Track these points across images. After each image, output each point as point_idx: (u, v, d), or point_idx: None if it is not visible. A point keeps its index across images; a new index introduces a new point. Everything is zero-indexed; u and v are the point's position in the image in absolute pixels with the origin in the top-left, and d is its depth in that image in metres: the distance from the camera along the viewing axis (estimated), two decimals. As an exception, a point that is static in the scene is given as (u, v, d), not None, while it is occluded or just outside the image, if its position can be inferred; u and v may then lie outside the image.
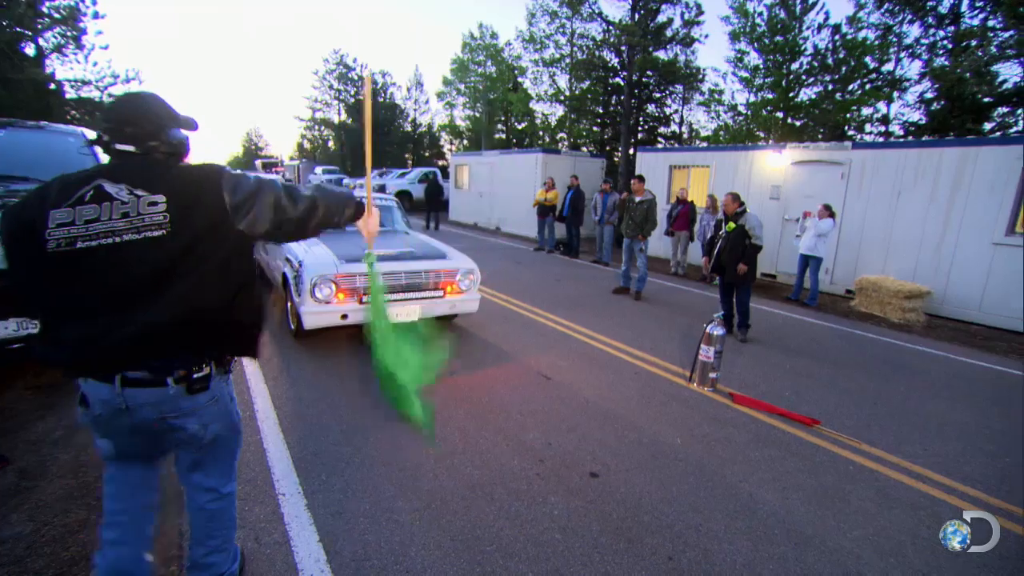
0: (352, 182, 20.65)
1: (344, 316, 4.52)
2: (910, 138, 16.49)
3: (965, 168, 7.81)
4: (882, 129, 18.56)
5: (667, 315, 7.12)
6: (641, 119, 25.16)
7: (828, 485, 3.14)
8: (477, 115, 32.87)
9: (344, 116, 40.81)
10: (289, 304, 5.07)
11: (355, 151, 39.70)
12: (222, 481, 1.85)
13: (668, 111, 25.58)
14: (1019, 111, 15.23)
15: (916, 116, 17.69)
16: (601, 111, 25.44)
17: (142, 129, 1.52)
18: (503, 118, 32.30)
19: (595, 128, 26.14)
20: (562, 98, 25.80)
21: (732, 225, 5.91)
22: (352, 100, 40.07)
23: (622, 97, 22.62)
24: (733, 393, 4.38)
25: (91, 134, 3.96)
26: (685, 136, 25.42)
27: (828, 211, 8.08)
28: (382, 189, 20.48)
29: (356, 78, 39.92)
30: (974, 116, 15.61)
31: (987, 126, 15.84)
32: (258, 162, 28.48)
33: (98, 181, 1.45)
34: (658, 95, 24.76)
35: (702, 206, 10.28)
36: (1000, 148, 7.67)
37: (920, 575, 2.43)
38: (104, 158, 1.61)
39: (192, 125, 1.68)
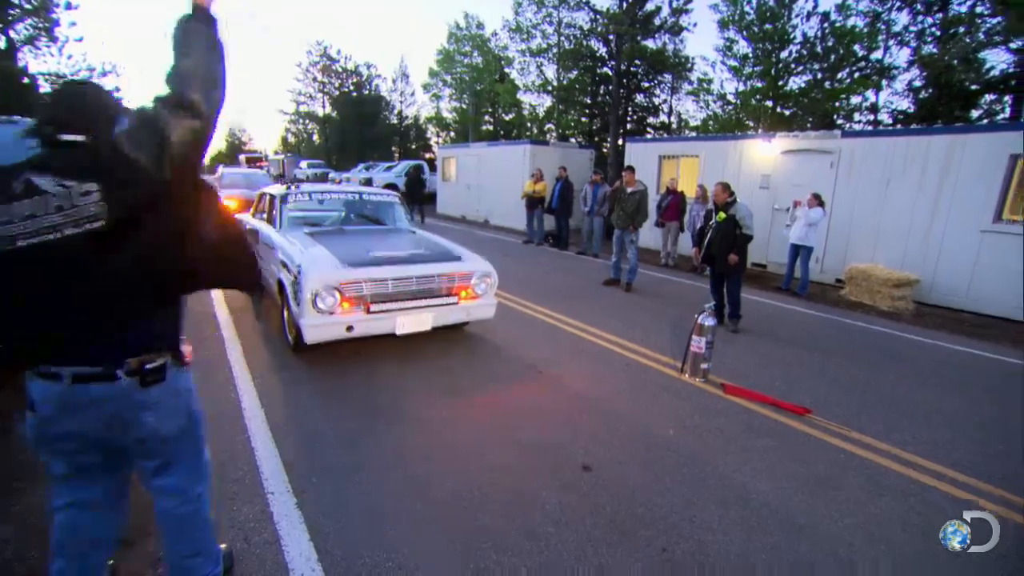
0: (338, 176, 20.45)
1: (350, 328, 4.09)
2: (899, 126, 16.58)
3: (953, 156, 7.85)
4: (871, 118, 18.66)
5: (658, 306, 7.12)
6: (630, 109, 25.10)
7: (820, 474, 3.15)
8: (464, 107, 32.63)
9: (329, 109, 40.35)
10: (286, 314, 4.58)
11: (340, 144, 39.31)
12: (189, 482, 1.77)
13: (657, 101, 25.55)
14: (1006, 98, 15.35)
15: (905, 104, 17.81)
16: (589, 101, 25.35)
17: (88, 118, 1.44)
18: (490, 109, 32.09)
19: (583, 119, 26.06)
20: (550, 89, 25.66)
21: (722, 215, 5.89)
22: (336, 93, 39.56)
23: (610, 87, 22.54)
24: (725, 383, 4.38)
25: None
26: (674, 126, 25.41)
27: (817, 200, 8.10)
28: (368, 183, 20.31)
29: (340, 70, 39.40)
30: (962, 104, 15.72)
31: (974, 114, 15.96)
32: (242, 157, 28.12)
33: (27, 175, 1.37)
34: (647, 85, 24.70)
35: (692, 196, 10.28)
36: (987, 135, 7.73)
37: (910, 561, 2.44)
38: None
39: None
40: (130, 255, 1.43)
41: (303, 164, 27.45)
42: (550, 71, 25.54)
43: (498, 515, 2.59)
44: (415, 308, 4.37)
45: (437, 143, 37.36)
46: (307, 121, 43.29)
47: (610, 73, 22.59)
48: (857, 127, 18.29)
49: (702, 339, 4.40)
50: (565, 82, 24.83)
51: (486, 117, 32.61)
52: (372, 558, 2.25)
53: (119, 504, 1.76)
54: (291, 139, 46.94)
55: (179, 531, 1.79)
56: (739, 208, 5.86)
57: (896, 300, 7.68)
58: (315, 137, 44.18)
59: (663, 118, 25.75)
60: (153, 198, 1.43)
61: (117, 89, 16.20)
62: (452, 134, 35.75)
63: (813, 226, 8.07)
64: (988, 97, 15.86)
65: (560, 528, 2.51)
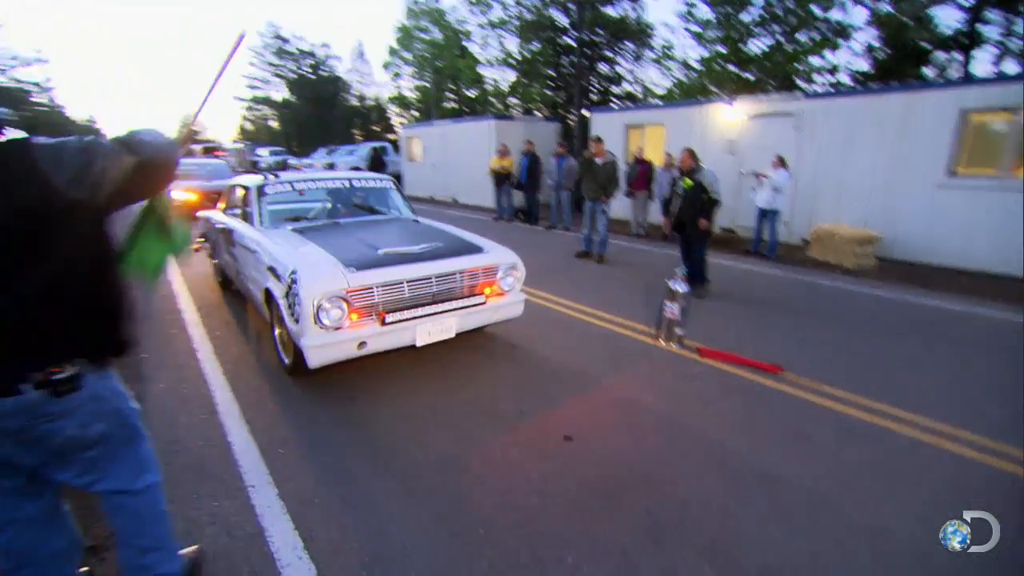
0: (298, 162, 19.91)
1: (362, 344, 3.39)
2: (859, 86, 16.86)
3: (909, 114, 8.03)
4: (831, 79, 18.91)
5: (631, 276, 7.18)
6: (593, 80, 24.94)
7: (793, 428, 3.25)
8: (427, 85, 31.96)
9: (288, 94, 39.06)
10: (278, 331, 3.87)
11: (300, 130, 38.24)
12: (131, 478, 1.67)
13: (620, 70, 25.43)
14: (956, 54, 15.73)
15: (863, 65, 18.11)
16: (553, 74, 25.08)
17: None
18: (453, 86, 31.50)
19: (547, 91, 25.81)
20: (512, 62, 25.30)
21: (689, 182, 5.93)
22: (295, 76, 38.28)
23: (573, 58, 22.31)
24: (700, 347, 4.46)
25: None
26: (640, 95, 25.38)
27: (781, 162, 8.21)
28: (331, 167, 19.83)
29: (296, 51, 38.10)
30: (915, 62, 16.05)
31: (929, 73, 16.33)
32: (197, 147, 27.05)
33: None
34: (609, 54, 24.53)
35: (660, 165, 10.31)
36: (939, 92, 7.96)
37: (878, 502, 2.55)
38: None
39: None
40: (30, 268, 1.33)
41: (262, 151, 26.58)
42: (512, 44, 25.16)
43: (482, 490, 2.61)
44: (436, 313, 3.70)
45: (402, 123, 36.64)
46: (265, 107, 41.93)
47: (572, 43, 22.33)
48: (818, 89, 18.54)
49: (675, 305, 4.46)
50: (527, 55, 24.49)
51: (449, 94, 32.03)
52: (359, 542, 2.24)
53: (59, 515, 1.67)
54: (249, 126, 45.42)
55: (134, 526, 1.72)
56: (705, 174, 5.90)
57: (860, 257, 7.89)
58: (274, 123, 42.87)
59: (628, 87, 25.69)
60: (55, 214, 1.34)
61: (47, 79, 15.32)
62: (416, 113, 35.06)
63: (779, 190, 8.18)
64: (940, 55, 16.23)
65: (545, 498, 2.54)
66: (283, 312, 3.48)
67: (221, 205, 5.77)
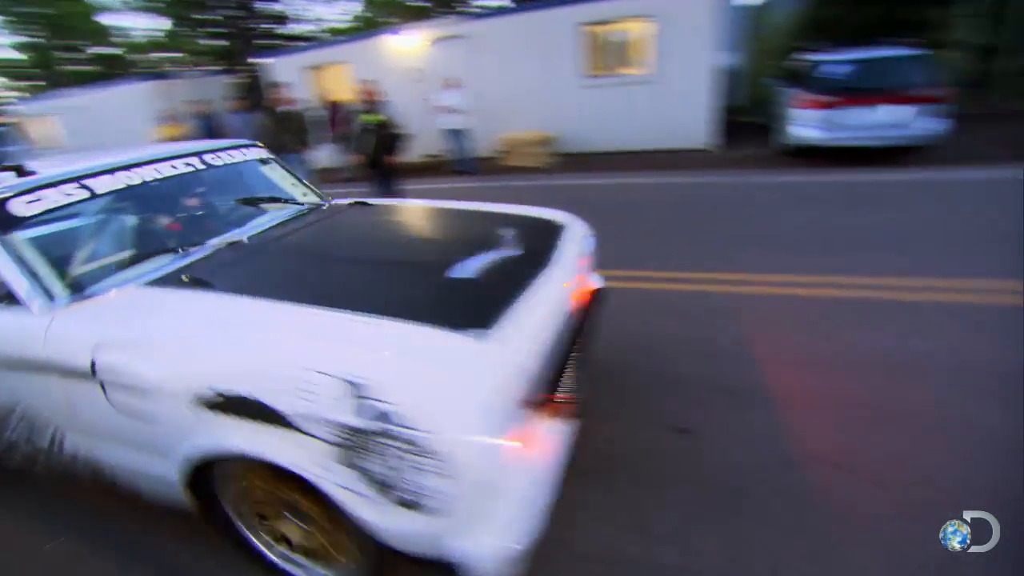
0: None
1: (551, 478, 1.66)
2: (514, 6, 18.71)
3: (546, 29, 9.43)
4: (491, 3, 20.57)
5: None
6: (259, 23, 22.48)
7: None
8: (41, 41, 24.51)
9: None
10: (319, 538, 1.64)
11: None
12: None
13: (284, 8, 23.33)
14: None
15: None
16: (216, 18, 21.76)
17: None
18: (81, 43, 24.87)
19: (211, 41, 22.46)
20: (154, 6, 21.11)
21: (371, 117, 6.00)
22: None
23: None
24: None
25: None
26: (323, 36, 23.88)
27: (453, 83, 8.83)
28: None
29: None
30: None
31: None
32: None
33: None
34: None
35: (354, 102, 10.11)
36: (560, 10, 9.44)
37: (617, 336, 3.11)
38: None
39: None
40: None
41: None
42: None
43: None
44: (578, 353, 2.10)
45: (16, 100, 27.71)
46: None
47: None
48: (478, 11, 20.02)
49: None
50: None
51: (74, 54, 25.18)
52: None
53: None
54: None
55: None
56: (388, 108, 6.06)
57: (542, 157, 9.22)
58: None
59: (303, 28, 23.89)
60: None
61: None
62: (42, 83, 26.72)
63: (458, 108, 8.83)
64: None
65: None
66: (347, 507, 1.36)
67: None
